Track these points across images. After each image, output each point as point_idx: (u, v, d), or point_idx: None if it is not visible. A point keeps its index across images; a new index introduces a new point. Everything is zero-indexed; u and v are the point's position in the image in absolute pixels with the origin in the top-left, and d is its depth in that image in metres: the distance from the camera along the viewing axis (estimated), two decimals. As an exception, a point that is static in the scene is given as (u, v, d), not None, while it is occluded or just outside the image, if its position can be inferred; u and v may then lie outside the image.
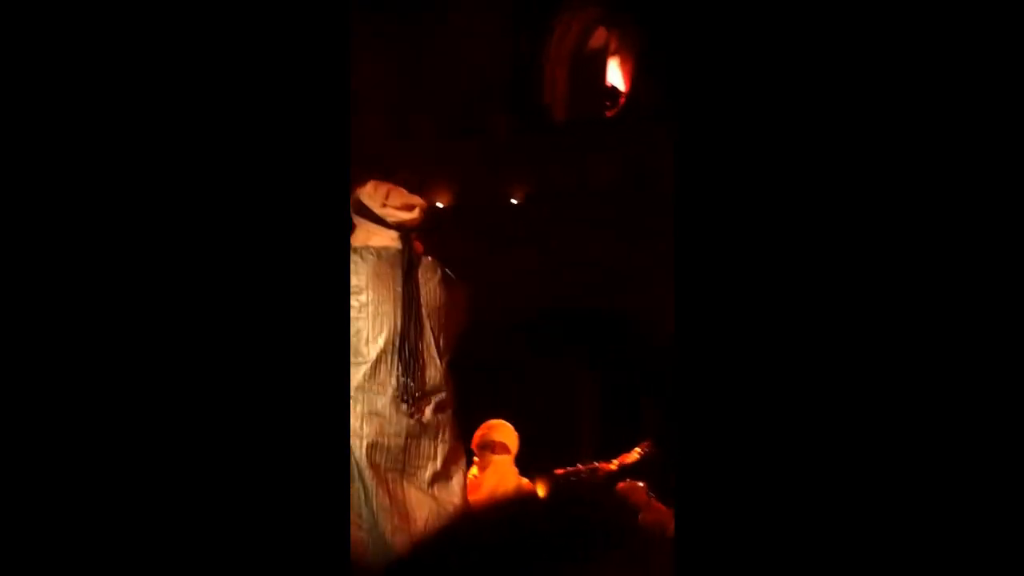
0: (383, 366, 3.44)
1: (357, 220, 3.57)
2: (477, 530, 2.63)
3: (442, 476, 3.51)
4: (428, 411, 3.49)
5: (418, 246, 3.58)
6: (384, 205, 3.55)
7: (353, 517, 3.35)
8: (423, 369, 3.48)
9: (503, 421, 5.14)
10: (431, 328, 3.51)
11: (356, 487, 3.39)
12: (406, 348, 3.42)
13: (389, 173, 4.25)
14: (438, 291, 3.58)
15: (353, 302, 3.46)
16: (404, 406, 3.42)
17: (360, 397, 3.43)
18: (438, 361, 3.53)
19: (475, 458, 5.05)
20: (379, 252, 3.52)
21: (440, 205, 4.40)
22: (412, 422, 3.44)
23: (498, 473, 5.05)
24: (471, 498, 4.48)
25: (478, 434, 5.06)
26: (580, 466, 5.25)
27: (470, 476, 4.97)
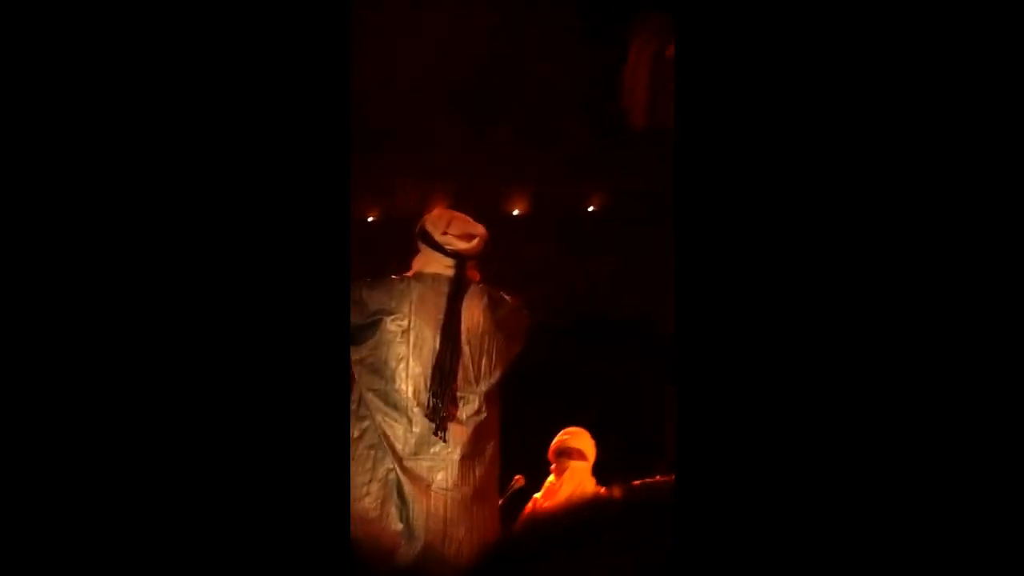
0: (422, 389, 3.50)
1: (420, 246, 3.64)
2: (554, 532, 2.65)
3: (480, 496, 3.56)
4: (463, 434, 3.53)
5: (473, 274, 3.62)
6: (445, 233, 3.61)
7: (393, 532, 3.44)
8: (455, 394, 3.53)
9: (581, 428, 5.16)
10: (470, 354, 3.55)
11: (396, 502, 3.46)
12: (440, 373, 3.47)
13: (467, 182, 4.27)
14: (483, 317, 3.62)
15: (395, 327, 3.53)
16: (437, 428, 3.49)
17: (400, 418, 3.51)
18: (475, 386, 3.57)
19: (553, 465, 5.08)
20: (430, 279, 3.58)
21: (516, 212, 4.43)
22: (448, 444, 3.50)
23: (575, 480, 5.07)
24: (548, 504, 4.51)
25: (556, 441, 5.09)
26: (658, 477, 5.23)
27: (548, 483, 5.00)
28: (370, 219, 6.14)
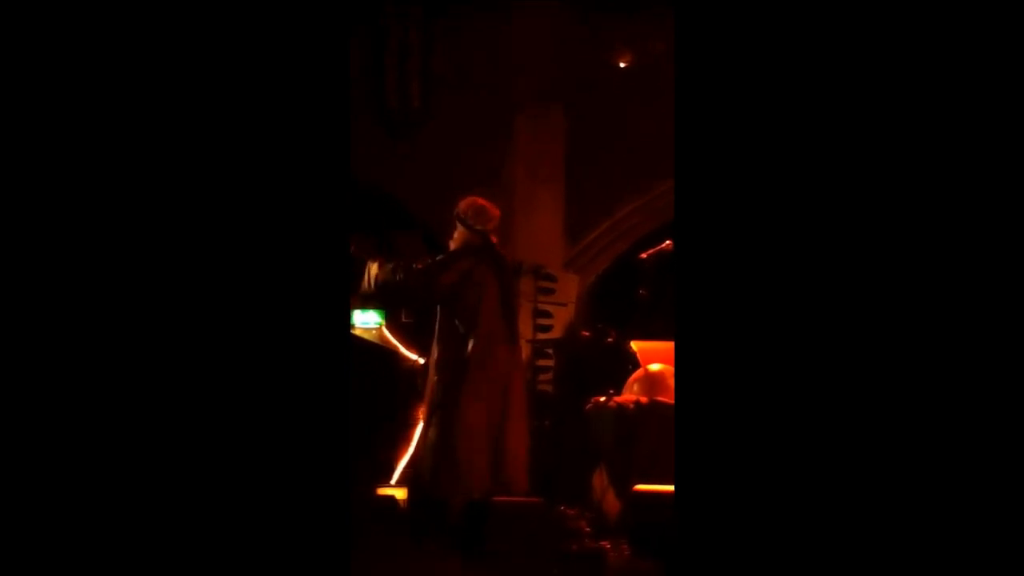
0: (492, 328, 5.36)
1: (457, 225, 5.55)
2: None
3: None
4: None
5: (495, 240, 5.55)
6: (470, 216, 5.52)
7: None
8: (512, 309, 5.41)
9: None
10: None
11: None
12: (505, 309, 5.37)
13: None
14: (512, 274, 5.51)
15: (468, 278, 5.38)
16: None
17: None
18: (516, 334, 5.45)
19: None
20: (470, 248, 5.50)
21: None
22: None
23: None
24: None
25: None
26: None
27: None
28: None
